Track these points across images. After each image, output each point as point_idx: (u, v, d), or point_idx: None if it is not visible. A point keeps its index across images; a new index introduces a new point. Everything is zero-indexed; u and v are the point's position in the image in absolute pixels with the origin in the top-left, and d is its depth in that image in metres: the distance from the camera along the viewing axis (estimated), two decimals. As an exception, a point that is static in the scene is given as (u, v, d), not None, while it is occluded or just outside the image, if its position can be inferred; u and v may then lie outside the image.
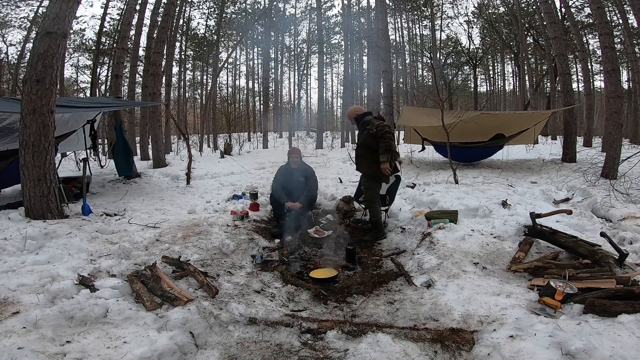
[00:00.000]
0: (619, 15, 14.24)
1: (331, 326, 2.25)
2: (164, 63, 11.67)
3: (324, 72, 22.68)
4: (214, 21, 22.39)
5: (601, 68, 16.04)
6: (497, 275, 2.85)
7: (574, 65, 20.38)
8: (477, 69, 23.66)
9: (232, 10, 23.84)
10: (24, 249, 3.15)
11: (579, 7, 18.13)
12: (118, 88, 11.09)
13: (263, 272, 3.22)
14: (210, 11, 22.96)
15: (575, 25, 15.06)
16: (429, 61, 22.66)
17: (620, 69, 14.90)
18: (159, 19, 11.09)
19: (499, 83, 30.15)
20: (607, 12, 12.31)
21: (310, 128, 30.36)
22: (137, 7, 11.86)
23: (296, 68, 31.44)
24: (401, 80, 27.41)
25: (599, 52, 15.35)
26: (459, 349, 1.98)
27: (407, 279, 2.99)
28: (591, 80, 16.46)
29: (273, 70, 24.34)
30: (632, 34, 14.05)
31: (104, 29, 15.94)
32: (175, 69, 21.45)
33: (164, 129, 13.77)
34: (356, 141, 4.51)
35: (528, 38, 19.85)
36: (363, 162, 4.24)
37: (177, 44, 19.38)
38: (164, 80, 13.39)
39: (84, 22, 21.86)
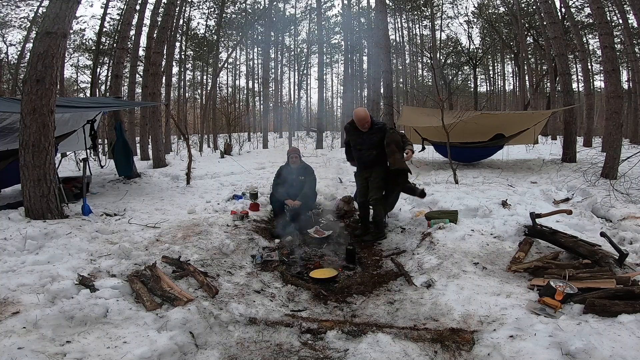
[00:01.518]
0: (619, 15, 14.23)
1: (331, 326, 2.25)
2: (164, 63, 11.67)
3: (324, 72, 22.63)
4: (214, 21, 22.38)
5: (601, 68, 16.02)
6: (497, 275, 2.85)
7: (574, 65, 20.38)
8: (477, 69, 23.69)
9: (232, 10, 23.86)
10: (24, 249, 3.16)
11: (579, 7, 18.15)
12: (118, 88, 11.10)
13: (263, 272, 3.22)
14: (210, 11, 22.97)
15: (575, 25, 15.08)
16: (429, 61, 22.65)
17: (620, 69, 14.90)
18: (159, 19, 11.09)
19: (499, 83, 30.22)
20: (607, 12, 12.29)
21: (310, 128, 30.34)
22: (137, 7, 11.87)
23: (296, 68, 31.43)
24: (401, 80, 27.42)
25: (599, 52, 15.33)
26: (459, 349, 1.98)
27: (407, 279, 3.00)
28: (591, 80, 16.46)
29: (273, 70, 24.32)
30: (632, 34, 14.04)
31: (104, 29, 15.95)
32: (175, 69, 21.48)
33: (164, 129, 13.77)
34: (361, 145, 4.27)
35: (528, 38, 19.84)
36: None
37: (177, 44, 19.38)
38: (164, 80, 13.39)
39: (84, 22, 21.89)
